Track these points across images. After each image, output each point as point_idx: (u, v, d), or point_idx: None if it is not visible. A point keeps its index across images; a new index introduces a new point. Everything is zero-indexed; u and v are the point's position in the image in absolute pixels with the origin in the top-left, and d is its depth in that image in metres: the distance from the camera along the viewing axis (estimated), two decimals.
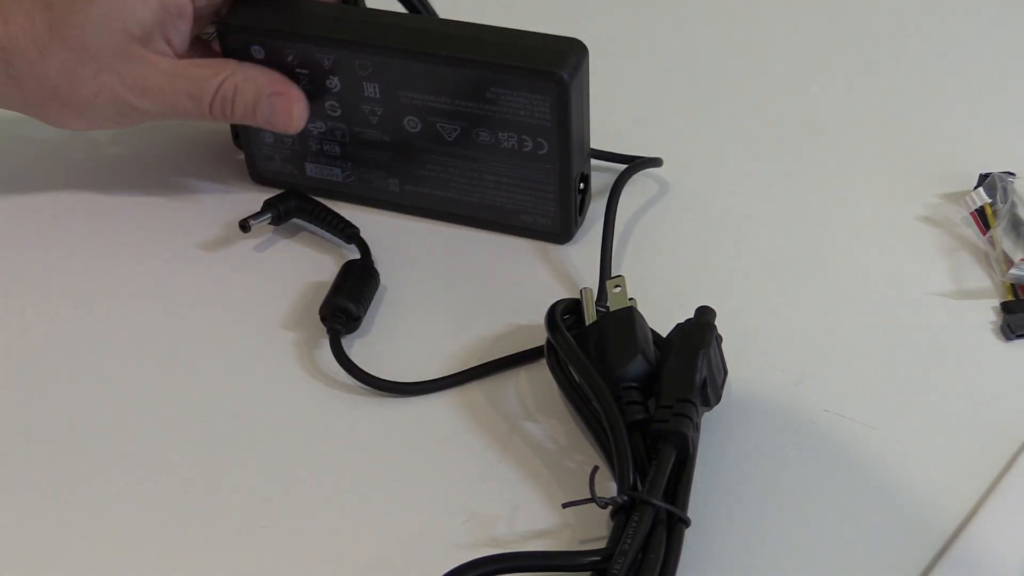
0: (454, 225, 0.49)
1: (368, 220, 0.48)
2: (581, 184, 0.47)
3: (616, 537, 0.35)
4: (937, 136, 0.52)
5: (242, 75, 0.45)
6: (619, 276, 0.43)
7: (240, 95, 0.45)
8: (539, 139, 0.45)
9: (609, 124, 0.50)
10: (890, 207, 0.49)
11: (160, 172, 0.52)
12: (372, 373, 0.42)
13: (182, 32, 0.45)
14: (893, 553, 0.37)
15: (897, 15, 0.58)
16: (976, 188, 0.47)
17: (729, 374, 0.41)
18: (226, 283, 0.47)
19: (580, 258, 0.47)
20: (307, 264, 0.47)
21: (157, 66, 0.45)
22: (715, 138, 0.53)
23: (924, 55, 0.56)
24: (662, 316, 0.41)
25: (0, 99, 0.46)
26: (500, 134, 0.45)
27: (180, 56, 0.46)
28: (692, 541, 0.37)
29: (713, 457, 0.40)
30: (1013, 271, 0.45)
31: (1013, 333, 0.43)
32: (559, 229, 0.47)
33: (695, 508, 0.38)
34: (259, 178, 0.51)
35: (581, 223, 0.48)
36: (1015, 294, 0.44)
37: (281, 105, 0.46)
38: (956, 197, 0.48)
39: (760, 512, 0.39)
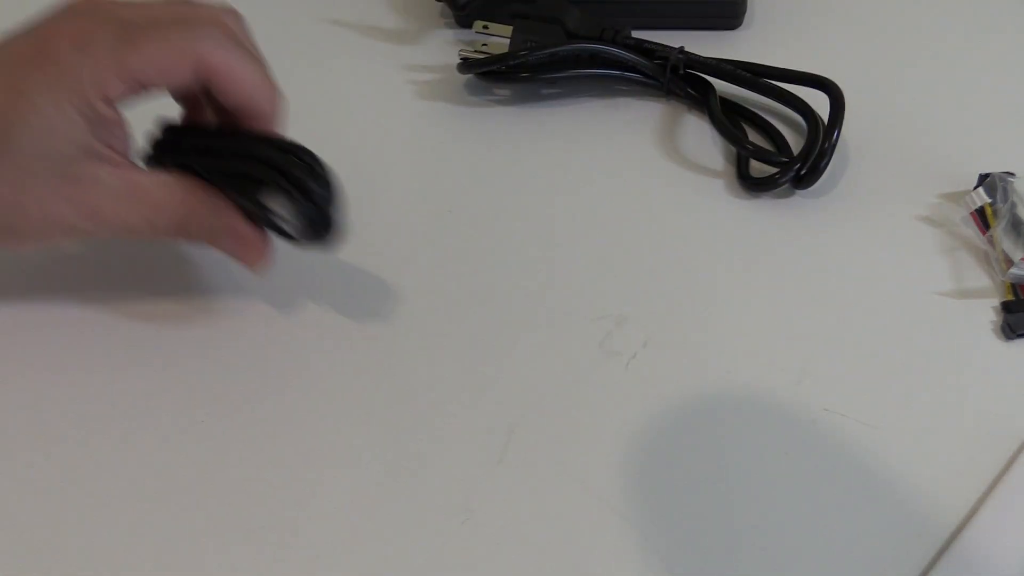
0: None
1: None
2: None
3: None
4: (937, 136, 0.52)
5: (197, 200, 0.42)
6: None
7: (197, 224, 0.42)
8: None
9: None
10: (890, 207, 0.49)
11: None
12: None
13: (121, 136, 0.41)
14: (893, 553, 0.37)
15: (897, 14, 0.58)
16: (976, 188, 0.47)
17: (729, 374, 0.41)
18: None
19: None
20: None
21: (110, 186, 0.40)
22: (713, 136, 0.53)
23: (924, 55, 0.56)
24: (660, 316, 0.41)
25: None
26: None
27: (126, 156, 0.41)
28: (692, 541, 0.37)
29: (713, 457, 0.40)
30: (1013, 271, 0.45)
31: (1013, 333, 0.43)
32: None
33: (695, 508, 0.38)
34: None
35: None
36: (1015, 294, 0.44)
37: (234, 248, 0.42)
38: (956, 197, 0.48)
39: (760, 512, 0.39)
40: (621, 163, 0.51)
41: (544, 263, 0.47)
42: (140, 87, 0.40)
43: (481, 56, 0.53)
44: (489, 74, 0.53)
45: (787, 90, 0.52)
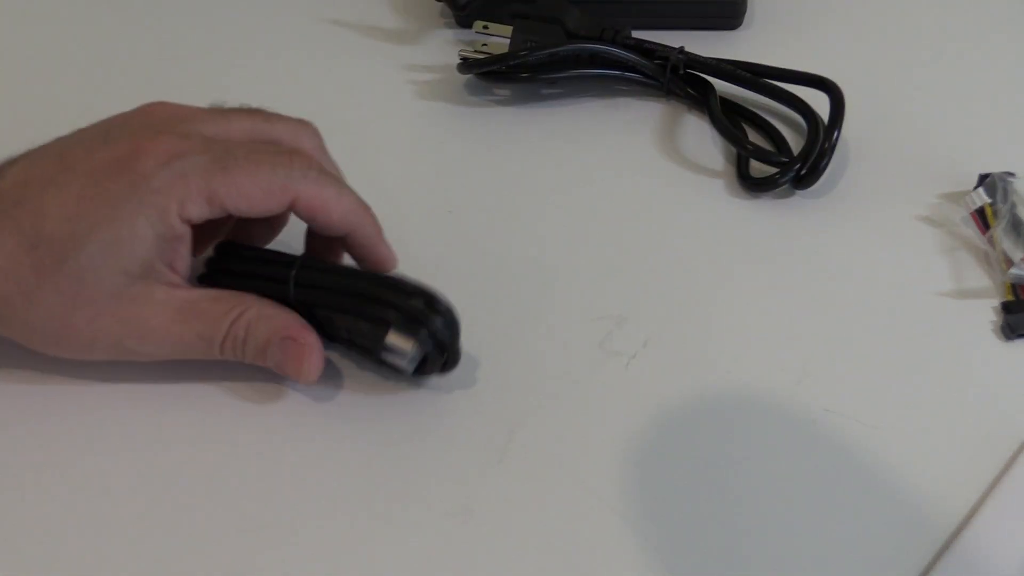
0: None
1: None
2: None
3: None
4: (937, 136, 0.52)
5: (256, 313, 0.40)
6: None
7: (252, 336, 0.40)
8: None
9: None
10: (890, 207, 0.49)
11: None
12: None
13: (183, 255, 0.40)
14: (893, 553, 0.37)
15: (897, 15, 0.58)
16: (976, 188, 0.47)
17: (729, 374, 0.41)
18: None
19: None
20: None
21: (163, 303, 0.40)
22: (713, 136, 0.53)
23: (924, 55, 0.56)
24: (660, 316, 0.41)
25: None
26: None
27: (184, 277, 0.41)
28: (692, 541, 0.37)
29: (713, 457, 0.40)
30: (1013, 271, 0.45)
31: (1013, 333, 0.43)
32: None
33: (695, 508, 0.38)
34: None
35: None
36: (1015, 294, 0.44)
37: (292, 351, 0.41)
38: (956, 197, 0.48)
39: (760, 512, 0.39)
40: (621, 163, 0.51)
41: (544, 263, 0.47)
42: (223, 212, 0.40)
43: (481, 56, 0.53)
44: (489, 74, 0.53)
45: (787, 90, 0.52)
